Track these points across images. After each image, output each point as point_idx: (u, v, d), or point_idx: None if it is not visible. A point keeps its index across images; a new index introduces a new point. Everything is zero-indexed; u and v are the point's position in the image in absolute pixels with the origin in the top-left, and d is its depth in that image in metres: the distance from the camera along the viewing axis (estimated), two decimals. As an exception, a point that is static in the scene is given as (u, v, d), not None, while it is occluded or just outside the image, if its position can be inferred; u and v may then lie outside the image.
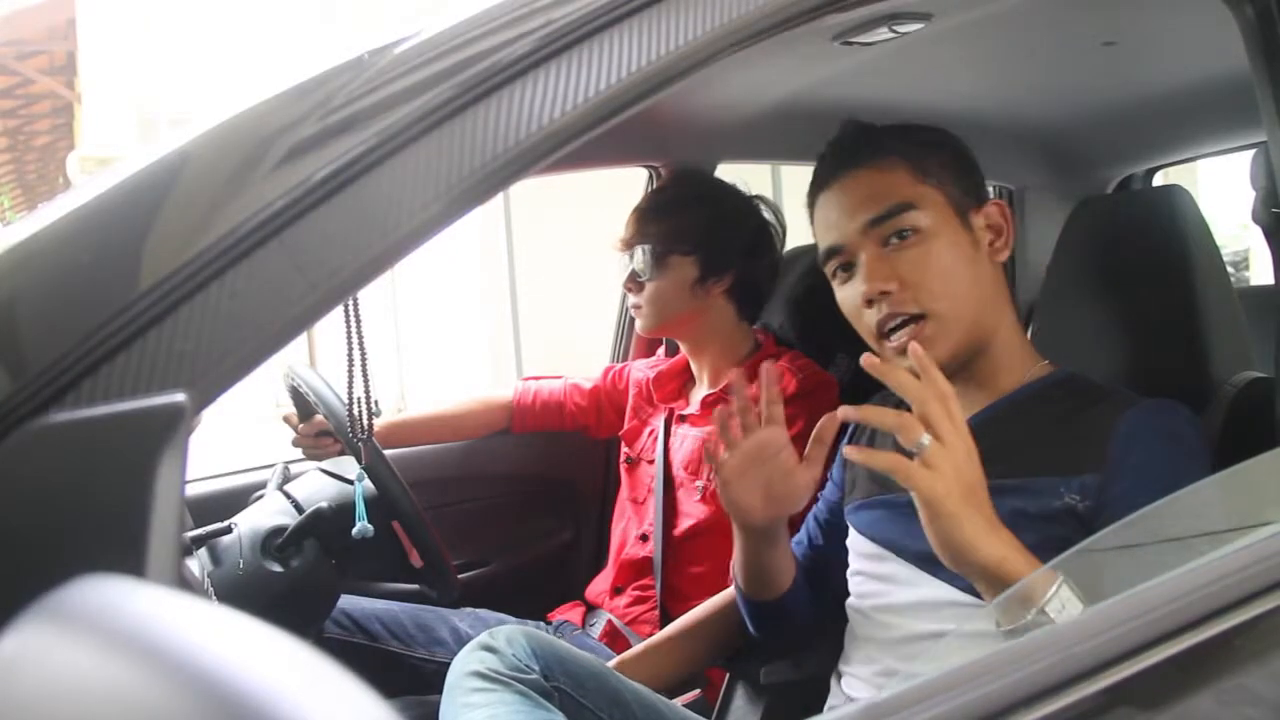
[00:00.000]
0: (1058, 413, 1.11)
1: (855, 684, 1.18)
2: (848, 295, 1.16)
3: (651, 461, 1.81)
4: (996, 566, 0.91)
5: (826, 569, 1.32)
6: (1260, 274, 6.18)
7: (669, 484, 1.75)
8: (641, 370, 1.93)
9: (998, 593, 0.92)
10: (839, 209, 1.16)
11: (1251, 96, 0.98)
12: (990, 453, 0.97)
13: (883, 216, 1.11)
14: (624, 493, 1.89)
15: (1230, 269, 1.80)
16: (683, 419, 1.78)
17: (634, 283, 1.74)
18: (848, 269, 1.16)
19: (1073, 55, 1.52)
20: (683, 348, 1.84)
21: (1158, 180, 2.40)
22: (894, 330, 1.10)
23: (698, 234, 1.72)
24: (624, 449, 1.91)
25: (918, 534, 1.00)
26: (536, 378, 2.04)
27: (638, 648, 1.48)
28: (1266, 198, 1.23)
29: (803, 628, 1.34)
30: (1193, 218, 1.29)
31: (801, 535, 1.40)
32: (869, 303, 1.12)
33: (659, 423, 1.82)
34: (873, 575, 1.19)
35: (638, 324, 1.79)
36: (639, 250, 1.72)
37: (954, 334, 1.10)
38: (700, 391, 1.79)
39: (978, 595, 0.99)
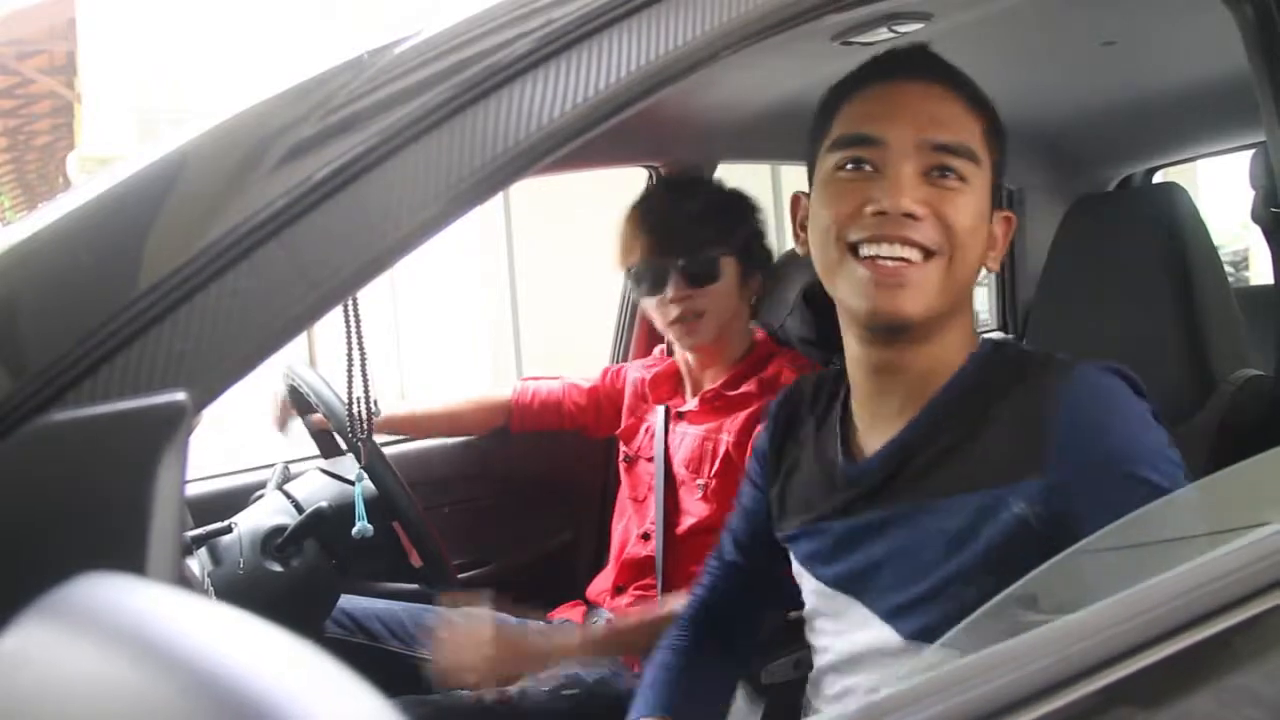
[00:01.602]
0: (984, 406, 0.98)
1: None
2: (848, 191, 0.99)
3: (650, 459, 1.81)
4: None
5: (738, 597, 1.28)
6: (1260, 273, 6.17)
7: (670, 482, 1.75)
8: (638, 370, 1.93)
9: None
10: (902, 109, 0.99)
11: (1251, 96, 0.98)
12: (920, 470, 0.97)
13: (951, 147, 0.98)
14: (624, 491, 1.89)
15: (1230, 269, 1.80)
16: (681, 416, 1.78)
17: (689, 290, 1.68)
18: (859, 165, 0.99)
19: (1072, 55, 1.52)
20: (699, 354, 1.80)
21: (1157, 180, 2.40)
22: (881, 256, 0.96)
23: (739, 236, 1.73)
24: (621, 448, 1.90)
25: (860, 565, 1.03)
26: (535, 378, 2.03)
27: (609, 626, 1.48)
28: (1266, 197, 1.23)
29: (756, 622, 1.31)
30: (1190, 216, 1.29)
31: (717, 552, 1.31)
32: (876, 212, 0.96)
33: (655, 420, 1.82)
34: (826, 614, 1.12)
35: (688, 338, 1.72)
36: (696, 256, 1.68)
37: (943, 292, 0.98)
38: (696, 390, 1.79)
39: (928, 638, 0.92)
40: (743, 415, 1.66)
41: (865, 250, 0.97)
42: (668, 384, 1.85)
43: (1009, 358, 1.03)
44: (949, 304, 1.00)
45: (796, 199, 1.12)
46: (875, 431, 1.06)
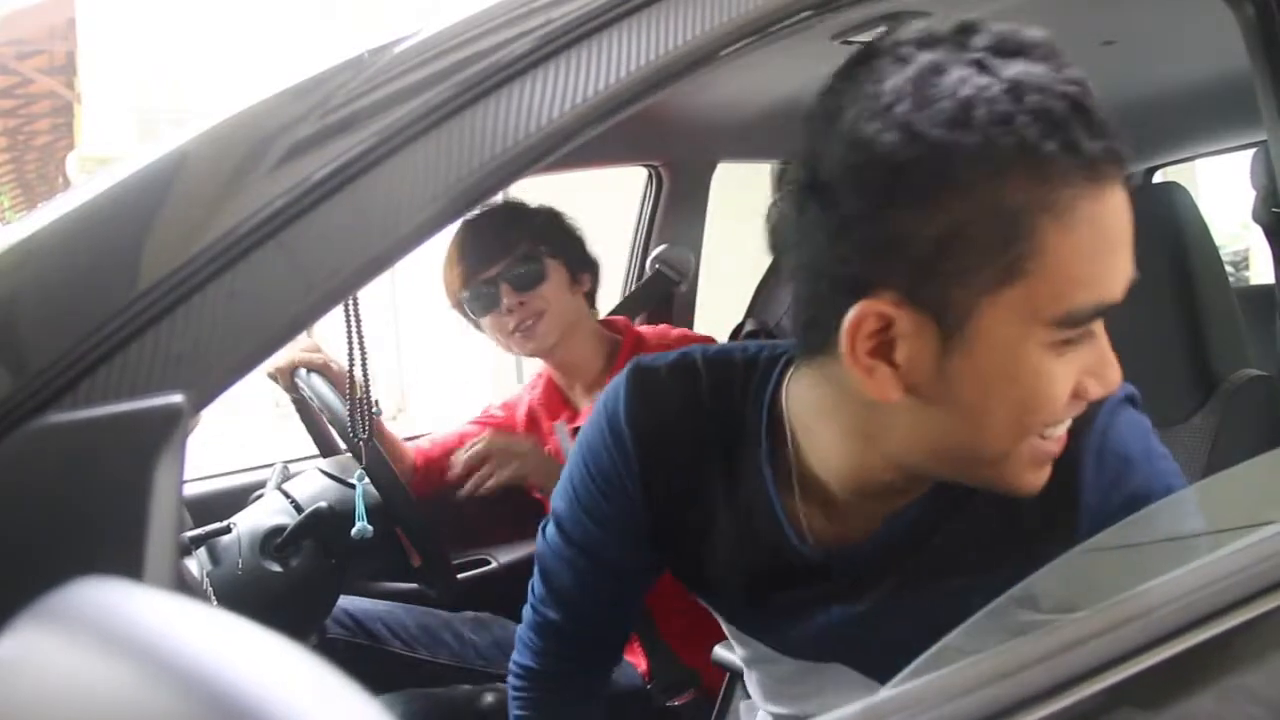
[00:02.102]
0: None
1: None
2: (1064, 373, 0.73)
3: None
4: None
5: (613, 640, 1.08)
6: (1260, 273, 6.18)
7: None
8: (526, 394, 1.87)
9: None
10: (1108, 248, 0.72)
11: (1251, 96, 0.98)
12: (939, 550, 0.82)
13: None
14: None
15: (1230, 268, 1.80)
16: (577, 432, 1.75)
17: (521, 295, 1.64)
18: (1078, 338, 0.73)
19: (1072, 55, 1.52)
20: (553, 366, 1.78)
21: (1157, 179, 2.40)
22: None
23: (547, 235, 1.70)
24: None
25: (847, 639, 0.87)
26: (412, 437, 1.90)
27: None
28: (1267, 197, 1.23)
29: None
30: (1191, 216, 1.29)
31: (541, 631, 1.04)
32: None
33: (561, 446, 1.75)
34: (791, 681, 0.97)
35: (531, 344, 1.68)
36: (516, 261, 1.65)
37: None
38: (585, 400, 1.75)
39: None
40: None
41: (1055, 429, 0.77)
42: (552, 401, 1.79)
43: None
44: None
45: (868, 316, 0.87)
46: (857, 509, 0.85)
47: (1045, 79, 0.70)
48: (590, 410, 1.42)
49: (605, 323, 1.82)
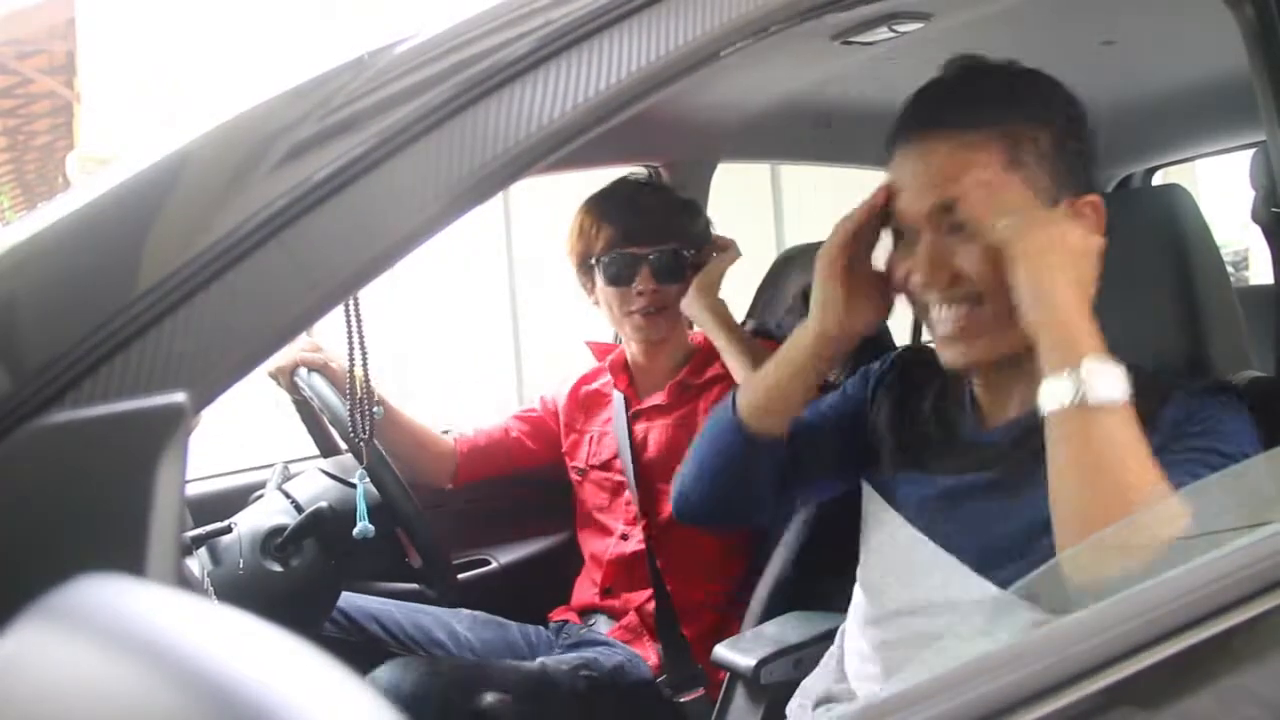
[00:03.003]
0: None
1: (856, 660, 1.16)
2: (896, 259, 1.10)
3: (600, 467, 1.81)
4: (1054, 322, 0.94)
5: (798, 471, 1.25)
6: (1260, 273, 6.17)
7: (641, 477, 1.75)
8: (567, 385, 1.92)
9: (1057, 361, 0.92)
10: (913, 178, 1.06)
11: (1251, 96, 0.98)
12: (1037, 449, 0.95)
13: (953, 205, 1.03)
14: (581, 508, 1.87)
15: (1230, 268, 1.80)
16: (639, 415, 1.79)
17: (658, 283, 1.70)
18: (899, 235, 1.10)
19: (1072, 55, 1.52)
20: (649, 348, 1.80)
21: (1157, 180, 2.40)
22: (940, 316, 1.06)
23: (696, 237, 1.75)
24: (570, 464, 1.88)
25: (961, 523, 1.07)
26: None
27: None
28: (1266, 197, 1.22)
29: (757, 497, 1.26)
30: (1192, 217, 1.29)
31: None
32: (920, 284, 1.06)
33: (614, 420, 1.82)
34: (897, 560, 1.15)
35: (648, 330, 1.73)
36: (662, 252, 1.70)
37: (1005, 327, 1.01)
38: (650, 384, 1.80)
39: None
40: (715, 392, 1.70)
41: (932, 311, 1.06)
42: (624, 373, 1.84)
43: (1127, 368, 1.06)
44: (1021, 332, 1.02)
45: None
46: (997, 411, 1.12)
47: None
48: (664, 395, 1.78)
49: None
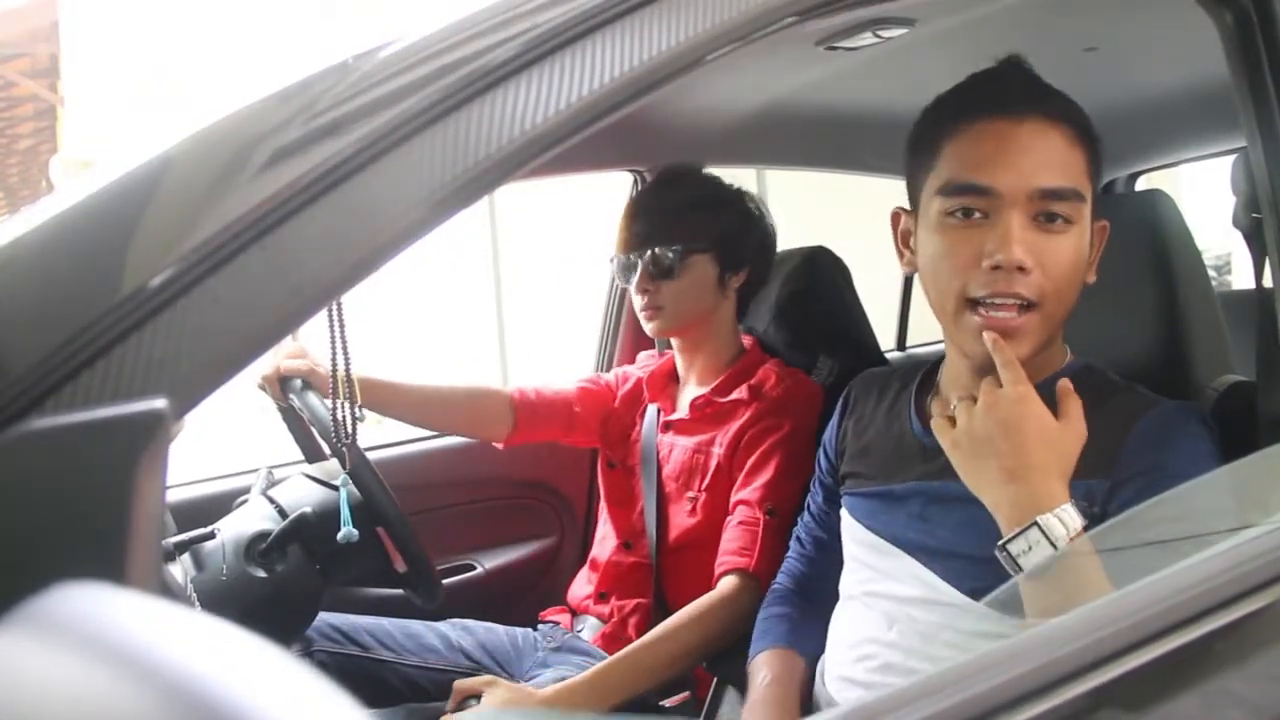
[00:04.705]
0: None
1: (837, 679, 1.17)
2: (962, 240, 1.04)
3: (631, 467, 1.81)
4: (996, 510, 0.97)
5: (827, 571, 1.29)
6: (1242, 278, 6.22)
7: (659, 493, 1.74)
8: (637, 372, 1.92)
9: (1016, 518, 0.95)
10: (1013, 154, 1.02)
11: (1231, 102, 0.99)
12: None
13: (1059, 193, 1.02)
14: (604, 494, 1.87)
15: (1213, 273, 1.81)
16: (669, 426, 1.77)
17: (651, 283, 1.70)
18: (970, 214, 1.04)
19: (1054, 61, 1.52)
20: (677, 346, 1.82)
21: (1140, 185, 2.42)
22: (992, 305, 1.02)
23: (718, 232, 1.72)
24: (605, 450, 1.89)
25: (919, 527, 1.09)
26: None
27: (625, 650, 1.47)
28: (1247, 202, 1.23)
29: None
30: (1174, 222, 1.29)
31: (800, 531, 1.41)
32: (991, 266, 1.01)
33: (644, 427, 1.81)
34: (873, 566, 1.18)
35: (649, 325, 1.74)
36: (657, 251, 1.69)
37: (1045, 331, 1.05)
38: (687, 394, 1.78)
39: (975, 599, 1.00)
40: (734, 427, 1.65)
41: (983, 308, 1.03)
42: (662, 381, 1.84)
43: (1099, 380, 1.12)
44: (1049, 337, 1.07)
45: (897, 215, 1.17)
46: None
47: None
48: (687, 409, 1.73)
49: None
